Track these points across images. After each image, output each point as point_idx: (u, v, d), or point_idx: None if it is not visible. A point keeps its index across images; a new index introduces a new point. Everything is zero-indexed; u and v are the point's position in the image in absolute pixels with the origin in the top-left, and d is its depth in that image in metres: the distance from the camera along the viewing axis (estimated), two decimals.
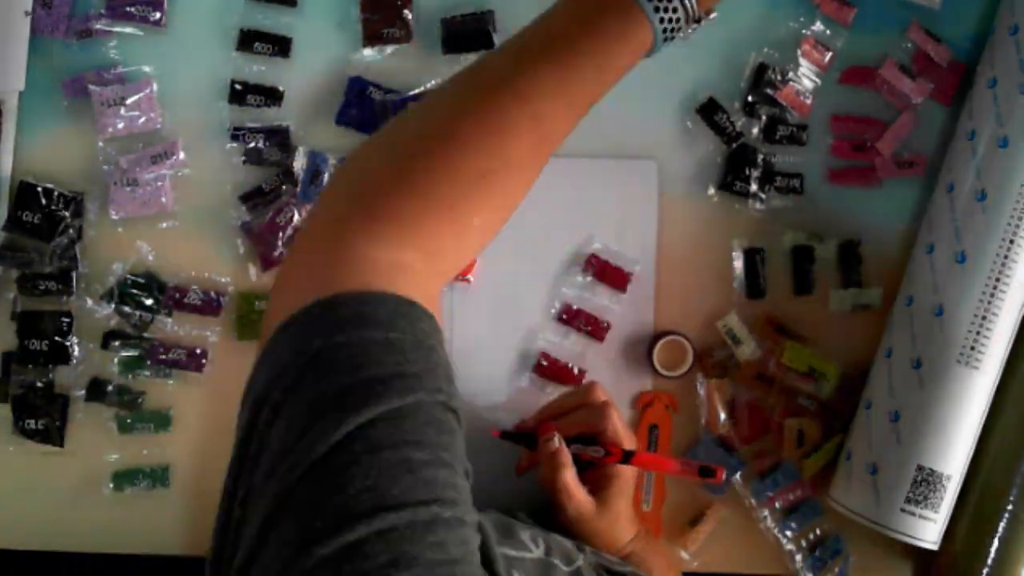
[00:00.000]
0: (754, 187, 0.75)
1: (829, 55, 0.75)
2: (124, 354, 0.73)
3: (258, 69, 0.73)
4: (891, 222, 0.77)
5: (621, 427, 0.67)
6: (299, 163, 0.73)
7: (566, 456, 0.66)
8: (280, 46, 0.73)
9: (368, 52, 0.73)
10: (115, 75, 0.72)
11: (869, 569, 0.78)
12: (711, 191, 0.76)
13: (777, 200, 0.76)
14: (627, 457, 0.66)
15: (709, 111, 0.75)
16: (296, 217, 0.73)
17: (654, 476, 0.76)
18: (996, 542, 0.70)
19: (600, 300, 0.76)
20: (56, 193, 0.71)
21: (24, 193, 0.71)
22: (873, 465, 0.71)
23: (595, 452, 0.67)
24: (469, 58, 0.73)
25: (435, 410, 0.41)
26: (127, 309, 0.73)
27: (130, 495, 0.74)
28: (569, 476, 0.66)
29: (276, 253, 0.73)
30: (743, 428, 0.76)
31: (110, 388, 0.73)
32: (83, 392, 0.73)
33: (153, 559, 0.74)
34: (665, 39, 0.53)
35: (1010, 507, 0.70)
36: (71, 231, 0.72)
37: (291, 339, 0.42)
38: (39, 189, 0.71)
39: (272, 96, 0.73)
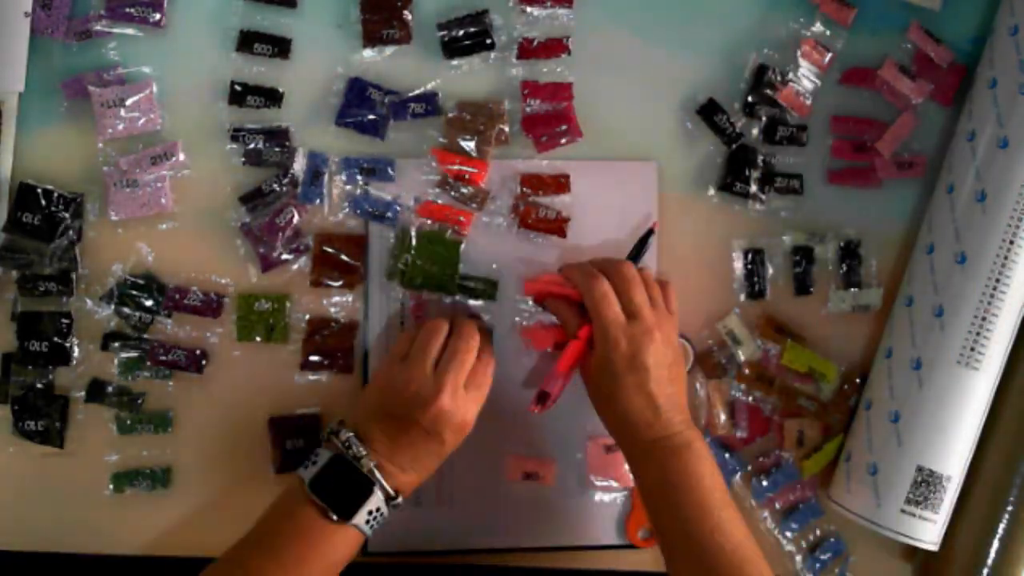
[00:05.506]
0: (754, 188, 0.75)
1: (829, 56, 0.75)
2: (124, 355, 0.73)
3: (258, 70, 0.73)
4: (891, 222, 0.77)
5: (610, 316, 0.66)
6: (299, 164, 0.73)
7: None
8: (280, 47, 0.73)
9: (368, 53, 0.73)
10: (115, 76, 0.72)
11: (869, 569, 0.78)
12: (711, 191, 0.76)
13: (777, 200, 0.76)
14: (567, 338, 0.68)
15: (709, 112, 0.75)
16: (296, 218, 0.73)
17: None
18: (996, 542, 0.70)
19: None
20: (56, 194, 0.71)
21: (24, 194, 0.71)
22: (873, 466, 0.71)
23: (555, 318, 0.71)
24: (471, 61, 0.73)
25: None
26: (127, 310, 0.73)
27: (130, 496, 0.74)
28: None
29: (276, 254, 0.73)
30: (743, 428, 0.76)
31: (110, 389, 0.73)
32: (83, 393, 0.73)
33: (153, 560, 0.74)
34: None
35: (1010, 507, 0.70)
36: (71, 232, 0.72)
37: None
38: (39, 190, 0.71)
39: (272, 97, 0.73)
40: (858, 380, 0.76)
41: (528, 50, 0.73)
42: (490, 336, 0.74)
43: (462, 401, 0.65)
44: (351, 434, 0.64)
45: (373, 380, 0.68)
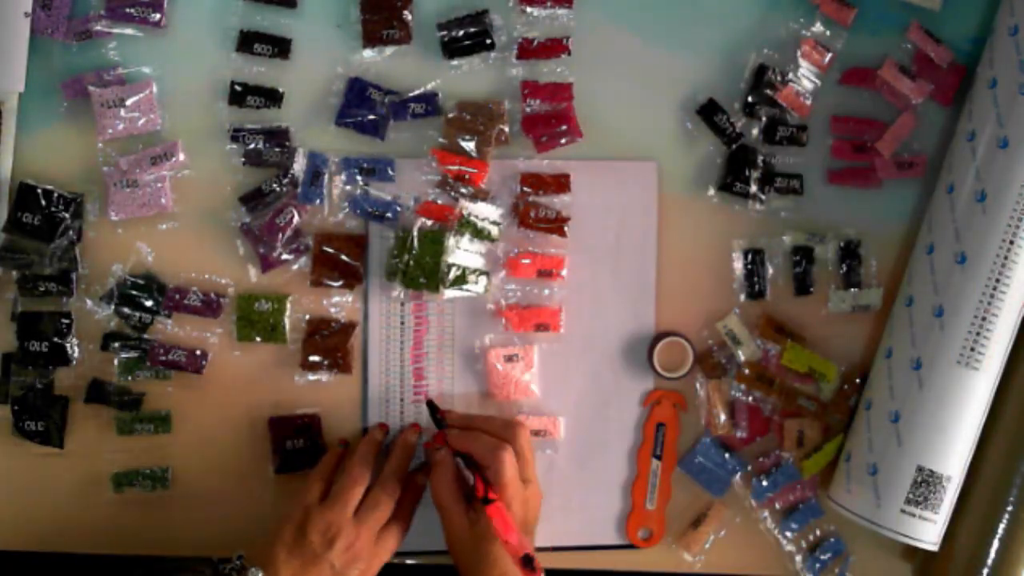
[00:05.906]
0: (754, 188, 0.75)
1: (829, 56, 0.75)
2: (124, 355, 0.73)
3: (258, 70, 0.73)
4: (891, 222, 0.77)
5: (509, 475, 0.67)
6: (299, 164, 0.73)
7: (448, 464, 0.69)
8: (280, 47, 0.73)
9: (368, 53, 0.73)
10: (115, 76, 0.72)
11: (869, 569, 0.78)
12: (711, 191, 0.76)
13: (777, 200, 0.76)
14: (484, 500, 0.66)
15: (709, 112, 0.75)
16: (296, 218, 0.73)
17: (660, 475, 0.76)
18: (996, 542, 0.70)
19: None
20: (56, 194, 0.71)
21: (24, 194, 0.71)
22: (873, 466, 0.71)
23: (468, 477, 0.69)
24: (471, 61, 0.73)
25: None
26: (127, 310, 0.73)
27: (130, 496, 0.74)
28: (443, 481, 0.69)
29: (276, 254, 0.73)
30: (743, 428, 0.76)
31: (110, 389, 0.73)
32: (83, 393, 0.73)
33: (153, 560, 0.74)
34: None
35: (1010, 507, 0.70)
36: (71, 232, 0.72)
37: None
38: (39, 190, 0.71)
39: (272, 97, 0.73)
40: (858, 380, 0.76)
41: (528, 50, 0.73)
42: (418, 494, 0.73)
43: (372, 548, 0.68)
44: (260, 574, 0.66)
45: (287, 518, 0.68)
